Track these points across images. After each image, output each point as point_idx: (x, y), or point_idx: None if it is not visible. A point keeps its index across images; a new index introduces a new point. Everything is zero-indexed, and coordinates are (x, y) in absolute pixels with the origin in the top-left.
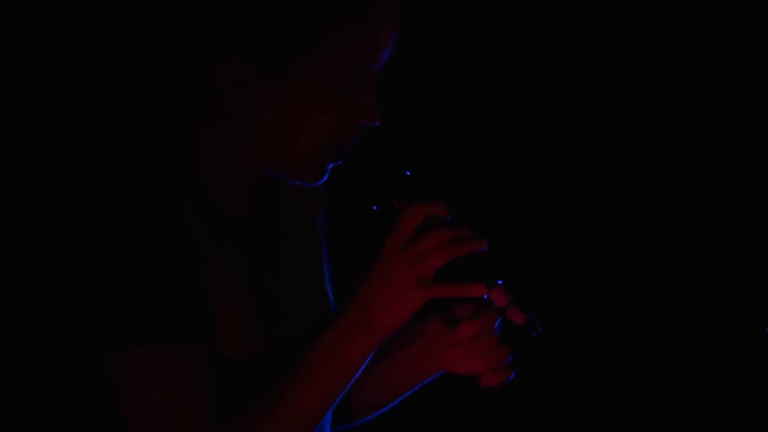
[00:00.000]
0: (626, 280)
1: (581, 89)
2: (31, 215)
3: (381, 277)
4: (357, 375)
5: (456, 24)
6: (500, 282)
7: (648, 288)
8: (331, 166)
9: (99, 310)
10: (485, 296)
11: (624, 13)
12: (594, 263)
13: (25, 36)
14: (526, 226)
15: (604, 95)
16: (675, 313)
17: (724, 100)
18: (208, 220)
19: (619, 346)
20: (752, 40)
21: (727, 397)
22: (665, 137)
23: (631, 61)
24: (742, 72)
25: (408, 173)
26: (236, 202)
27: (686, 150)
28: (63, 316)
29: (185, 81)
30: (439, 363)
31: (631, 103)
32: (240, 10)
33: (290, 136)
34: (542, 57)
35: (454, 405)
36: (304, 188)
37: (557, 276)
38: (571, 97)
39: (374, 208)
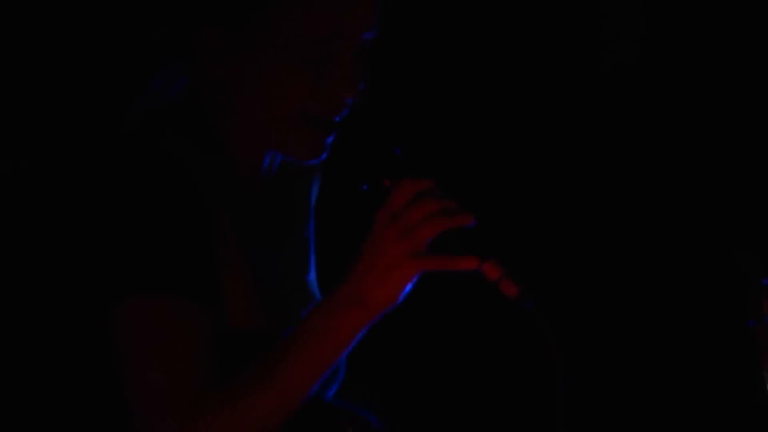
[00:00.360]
0: (617, 273)
1: (570, 78)
2: (68, 177)
3: (373, 251)
4: (349, 347)
5: (445, 17)
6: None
7: (639, 283)
8: (327, 141)
9: (109, 259)
10: (478, 269)
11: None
12: (584, 253)
13: (12, 32)
14: (519, 205)
15: (593, 85)
16: (667, 309)
17: (710, 97)
18: (224, 184)
19: (611, 340)
20: (735, 38)
21: (721, 394)
22: (653, 134)
23: (617, 55)
24: (732, 73)
25: (397, 151)
26: (248, 173)
27: (672, 147)
28: (80, 264)
29: (181, 61)
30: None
31: (620, 96)
32: None
33: (267, 103)
34: (531, 47)
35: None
36: (304, 169)
37: (549, 259)
38: (561, 84)
39: (365, 188)
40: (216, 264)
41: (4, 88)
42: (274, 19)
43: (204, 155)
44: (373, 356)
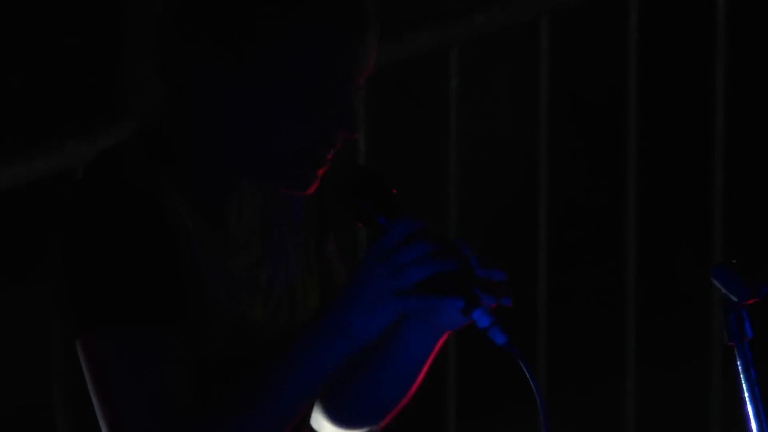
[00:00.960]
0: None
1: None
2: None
3: (361, 284)
4: (331, 378)
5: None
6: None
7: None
8: (318, 173)
9: (73, 291)
10: (469, 317)
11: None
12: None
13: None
14: (509, 249)
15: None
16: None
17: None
18: (192, 212)
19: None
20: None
21: (696, 403)
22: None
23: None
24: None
25: (394, 192)
26: (221, 199)
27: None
28: (55, 295)
29: (165, 86)
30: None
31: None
32: (210, 13)
33: (258, 139)
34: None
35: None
36: (294, 197)
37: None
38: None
39: (359, 224)
40: (183, 286)
41: None
42: (275, 58)
43: (172, 176)
44: None
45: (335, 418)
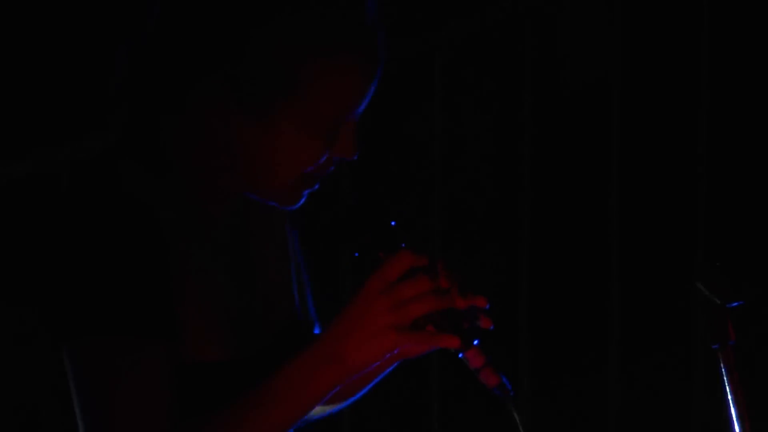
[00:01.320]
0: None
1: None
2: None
3: (359, 316)
4: (322, 402)
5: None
6: (476, 342)
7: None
8: (307, 191)
9: (65, 299)
10: (460, 355)
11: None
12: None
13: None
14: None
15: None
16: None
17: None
18: (186, 225)
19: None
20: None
21: (675, 404)
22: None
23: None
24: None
25: (393, 224)
26: (215, 214)
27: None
28: (42, 304)
29: (169, 110)
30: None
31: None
32: (226, 49)
33: (267, 170)
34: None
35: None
36: (277, 209)
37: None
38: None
39: (356, 254)
40: (172, 297)
41: None
42: (292, 96)
43: (163, 190)
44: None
45: None
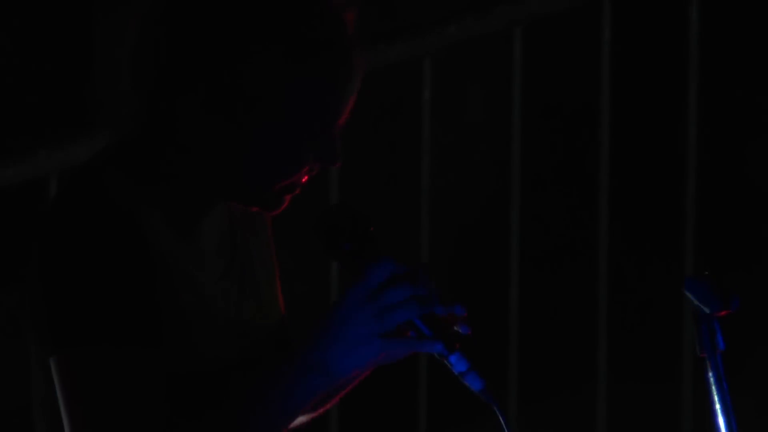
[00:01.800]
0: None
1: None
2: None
3: (343, 324)
4: (306, 409)
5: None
6: (458, 346)
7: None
8: (289, 196)
9: (49, 310)
10: (447, 361)
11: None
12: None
13: None
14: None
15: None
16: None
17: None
18: (172, 232)
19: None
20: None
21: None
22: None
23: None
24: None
25: (372, 230)
26: (200, 220)
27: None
28: (31, 313)
29: (153, 120)
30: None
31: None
32: (208, 63)
33: (249, 178)
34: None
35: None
36: (260, 214)
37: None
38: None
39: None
40: (158, 304)
41: None
42: (270, 104)
43: (150, 194)
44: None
45: None
